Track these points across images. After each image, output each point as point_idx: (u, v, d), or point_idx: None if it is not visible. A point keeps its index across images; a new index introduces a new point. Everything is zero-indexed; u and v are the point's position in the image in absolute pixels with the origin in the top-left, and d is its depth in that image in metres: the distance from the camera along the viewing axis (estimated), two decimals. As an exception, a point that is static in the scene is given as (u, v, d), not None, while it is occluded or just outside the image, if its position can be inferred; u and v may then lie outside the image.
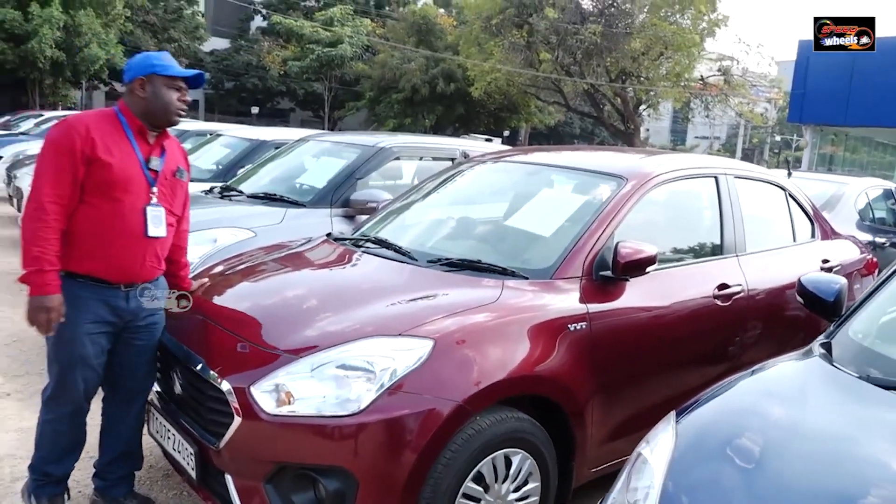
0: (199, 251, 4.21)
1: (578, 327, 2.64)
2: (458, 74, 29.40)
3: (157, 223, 2.61)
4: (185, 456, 2.51)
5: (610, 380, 2.76)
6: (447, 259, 2.88)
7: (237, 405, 2.27)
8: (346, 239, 3.43)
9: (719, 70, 25.71)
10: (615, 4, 23.02)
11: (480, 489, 2.36)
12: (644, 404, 2.95)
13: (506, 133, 36.11)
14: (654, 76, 24.16)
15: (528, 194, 3.33)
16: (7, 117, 18.30)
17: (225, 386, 2.31)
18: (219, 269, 3.20)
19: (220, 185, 5.57)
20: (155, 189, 2.63)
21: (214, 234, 4.32)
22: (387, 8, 38.90)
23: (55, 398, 2.62)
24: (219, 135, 7.64)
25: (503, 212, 3.35)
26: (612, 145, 36.22)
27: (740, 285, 3.33)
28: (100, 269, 2.54)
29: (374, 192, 4.73)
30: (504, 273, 2.76)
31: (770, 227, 3.87)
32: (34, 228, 2.42)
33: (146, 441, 2.87)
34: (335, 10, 32.67)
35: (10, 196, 9.56)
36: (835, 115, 18.28)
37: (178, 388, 2.61)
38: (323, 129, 32.79)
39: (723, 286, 3.25)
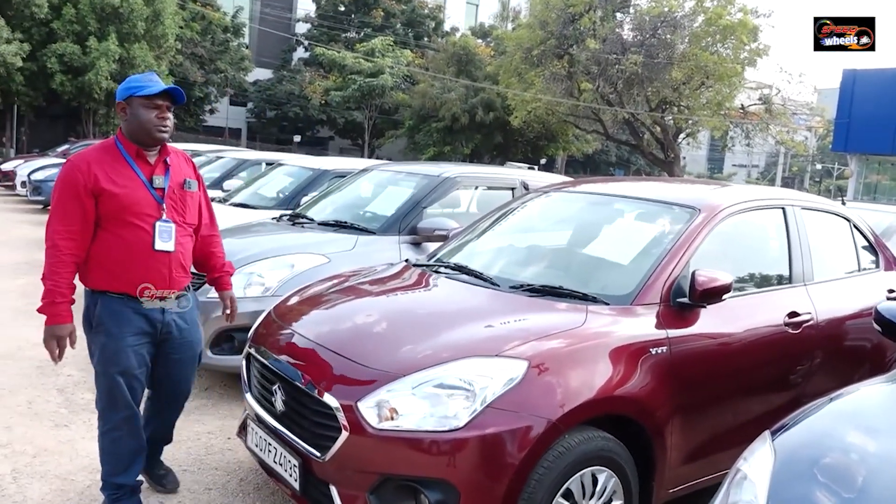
0: (278, 276, 4.45)
1: (659, 351, 2.77)
2: (497, 104, 29.79)
3: (165, 237, 2.78)
4: (289, 468, 2.68)
5: (688, 402, 2.87)
6: (529, 285, 3.04)
7: (345, 420, 2.43)
8: (426, 265, 3.61)
9: (760, 99, 25.61)
10: (656, 35, 23.19)
11: (570, 505, 2.48)
12: (719, 427, 3.05)
13: (543, 161, 36.30)
14: (694, 105, 24.19)
15: (600, 223, 3.48)
16: (67, 146, 19.13)
17: (332, 402, 2.48)
18: (312, 291, 3.40)
19: (288, 212, 5.82)
20: (164, 205, 2.80)
21: (291, 260, 4.54)
22: (426, 39, 39.68)
23: (108, 409, 2.83)
24: (280, 164, 7.95)
25: (577, 240, 3.50)
26: (650, 175, 36.13)
27: (809, 313, 3.41)
28: (130, 287, 2.75)
29: (440, 220, 4.92)
30: (585, 299, 2.90)
31: (836, 257, 3.94)
32: (49, 264, 2.66)
33: (235, 455, 3.05)
34: (376, 41, 33.45)
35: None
36: (880, 144, 18.08)
37: (279, 404, 2.79)
38: (362, 156, 33.42)
39: (793, 314, 3.34)
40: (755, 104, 25.91)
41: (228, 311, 3.26)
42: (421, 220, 4.99)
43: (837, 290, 3.71)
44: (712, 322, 2.99)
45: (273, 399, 2.84)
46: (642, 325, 2.80)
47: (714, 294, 2.88)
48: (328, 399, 2.50)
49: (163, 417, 3.18)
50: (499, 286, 3.11)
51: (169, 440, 3.30)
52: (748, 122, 26.30)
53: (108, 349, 2.76)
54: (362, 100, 33.83)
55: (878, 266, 4.13)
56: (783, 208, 3.63)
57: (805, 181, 54.46)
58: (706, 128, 25.44)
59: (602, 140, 31.31)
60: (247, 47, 37.36)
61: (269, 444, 2.82)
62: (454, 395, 2.40)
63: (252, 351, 3.10)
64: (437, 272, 3.47)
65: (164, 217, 2.80)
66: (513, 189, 5.64)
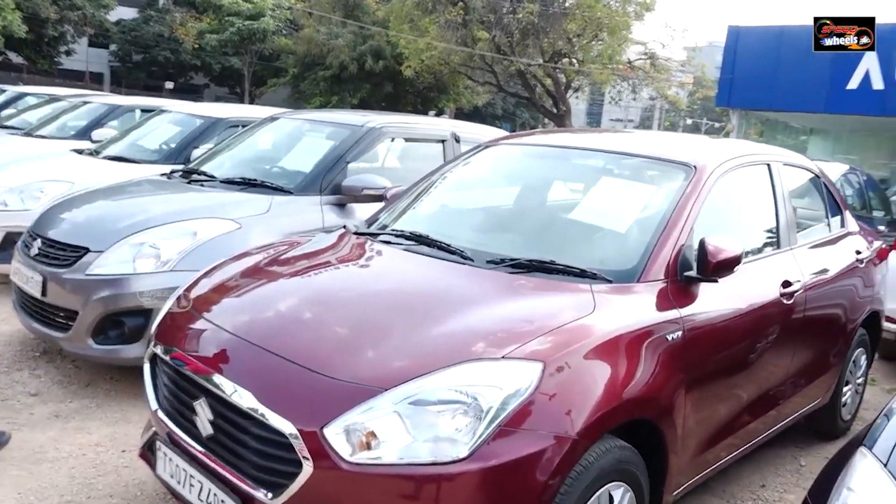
0: (177, 246, 3.66)
1: (675, 337, 2.33)
2: (387, 52, 28.62)
3: None
4: (221, 509, 2.03)
5: (698, 394, 2.46)
6: (513, 259, 2.49)
7: (306, 451, 1.81)
8: (372, 234, 2.97)
9: (645, 54, 26.09)
10: (551, -17, 22.89)
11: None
12: (724, 415, 2.69)
13: (432, 113, 35.66)
14: (586, 58, 24.25)
15: (583, 183, 2.97)
16: None
17: (287, 427, 1.85)
18: (233, 269, 2.68)
19: (179, 167, 4.93)
20: None
21: (193, 227, 3.75)
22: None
23: None
24: (162, 111, 6.88)
25: (557, 203, 2.97)
26: (535, 128, 36.37)
27: (799, 281, 3.11)
28: None
29: (368, 177, 4.27)
30: (583, 276, 2.39)
31: (811, 218, 3.68)
32: None
33: (135, 475, 2.36)
34: (255, -20, 31.13)
35: None
36: (761, 100, 18.81)
37: (205, 425, 2.11)
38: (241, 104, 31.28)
39: (786, 283, 3.02)
40: (641, 59, 26.38)
41: None
42: (345, 177, 4.30)
43: (817, 254, 3.44)
44: (716, 297, 2.59)
45: (195, 418, 2.15)
46: (654, 307, 2.34)
47: (727, 266, 2.46)
48: (280, 423, 1.87)
49: None
50: (473, 261, 2.53)
51: None
52: (634, 77, 26.80)
53: None
54: (241, 44, 31.58)
55: (843, 226, 3.91)
56: (768, 164, 3.28)
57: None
58: (598, 81, 25.67)
59: (494, 92, 31.00)
60: (107, -18, 33.71)
61: (192, 476, 2.14)
62: (452, 414, 1.83)
63: (159, 352, 2.37)
64: (386, 243, 2.85)
65: None
66: (443, 141, 5.04)
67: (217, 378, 2.07)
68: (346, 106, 29.82)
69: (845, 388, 3.81)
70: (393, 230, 2.96)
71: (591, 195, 2.85)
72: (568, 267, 2.42)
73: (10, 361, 3.95)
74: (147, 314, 3.55)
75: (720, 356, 2.60)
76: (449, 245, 2.65)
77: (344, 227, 3.18)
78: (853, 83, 16.82)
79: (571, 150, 3.17)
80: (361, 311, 2.26)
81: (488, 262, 2.51)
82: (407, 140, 5.01)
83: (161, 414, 2.34)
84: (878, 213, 7.34)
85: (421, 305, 2.26)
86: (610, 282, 2.37)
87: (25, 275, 3.81)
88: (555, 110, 25.87)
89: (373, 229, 3.06)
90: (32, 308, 3.82)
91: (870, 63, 16.47)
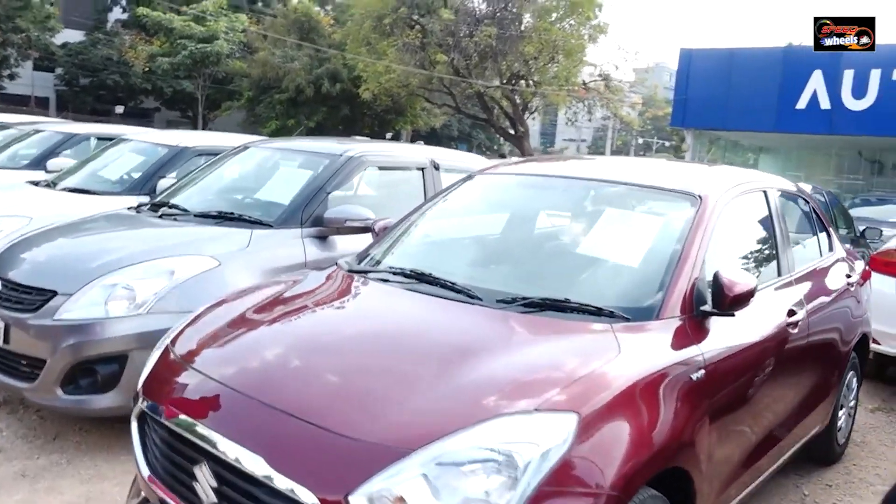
0: (153, 287, 3.45)
1: (699, 375, 2.24)
2: (343, 75, 28.47)
3: None
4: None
5: (717, 432, 2.37)
6: (525, 298, 2.37)
7: (330, 523, 1.65)
8: (367, 271, 2.83)
9: (600, 75, 26.57)
10: (507, 7, 23.12)
11: None
12: (739, 452, 2.61)
13: (389, 135, 35.61)
14: (542, 80, 24.54)
15: (586, 214, 2.88)
16: None
17: (307, 497, 1.68)
18: (224, 315, 2.50)
19: (148, 201, 4.70)
20: None
21: (170, 265, 3.54)
22: (260, 3, 37.16)
23: None
24: (122, 139, 6.60)
25: (561, 236, 2.88)
26: (492, 151, 36.59)
27: (802, 309, 3.08)
28: None
29: (350, 208, 4.12)
30: (599, 314, 2.30)
31: (805, 243, 3.67)
32: None
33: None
34: (207, 2, 30.60)
35: None
36: (714, 120, 19.31)
37: (207, 493, 1.92)
38: (194, 129, 30.67)
39: (791, 312, 2.98)
40: (595, 80, 26.84)
41: None
42: (326, 209, 4.14)
43: (813, 280, 3.43)
44: (730, 331, 2.52)
45: (195, 484, 1.97)
46: (676, 346, 2.25)
47: (743, 299, 2.39)
48: (298, 492, 1.70)
49: None
50: (482, 300, 2.41)
51: None
52: (589, 98, 27.24)
53: None
54: (194, 68, 30.98)
55: (831, 249, 3.93)
56: (765, 191, 3.26)
57: (631, 154, 58.35)
58: (553, 102, 25.99)
59: (451, 114, 31.11)
60: (52, 4, 32.78)
61: (192, 549, 1.96)
62: (485, 474, 1.69)
63: (147, 410, 2.18)
64: (384, 281, 2.70)
65: None
66: (422, 169, 4.93)
67: (220, 440, 1.89)
68: (304, 130, 29.52)
69: (840, 412, 3.80)
70: (390, 267, 2.82)
71: (596, 228, 2.76)
72: (584, 305, 2.32)
73: (-34, 414, 3.66)
74: (122, 361, 3.32)
75: (736, 392, 2.52)
76: (454, 283, 2.52)
77: (336, 264, 3.03)
78: (801, 103, 17.42)
79: (570, 179, 3.09)
80: (372, 361, 2.11)
81: (498, 301, 2.40)
82: (386, 168, 4.89)
83: (154, 481, 2.15)
84: (842, 231, 7.48)
85: (436, 352, 2.12)
86: (628, 320, 2.28)
87: (-17, 320, 3.54)
88: (513, 131, 26.08)
89: (368, 266, 2.92)
90: (-8, 356, 3.54)
91: (817, 84, 17.10)
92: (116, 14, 37.24)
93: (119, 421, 3.55)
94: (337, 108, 30.02)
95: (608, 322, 2.25)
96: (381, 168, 4.88)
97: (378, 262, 2.96)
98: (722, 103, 18.63)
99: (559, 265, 2.74)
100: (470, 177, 3.47)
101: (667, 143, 61.19)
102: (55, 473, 3.17)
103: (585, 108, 27.23)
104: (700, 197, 2.73)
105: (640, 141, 64.04)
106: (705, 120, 19.55)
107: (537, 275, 2.69)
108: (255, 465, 1.79)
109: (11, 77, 32.56)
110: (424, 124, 34.00)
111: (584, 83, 26.76)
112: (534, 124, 47.15)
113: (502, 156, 17.30)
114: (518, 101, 25.72)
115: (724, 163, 25.24)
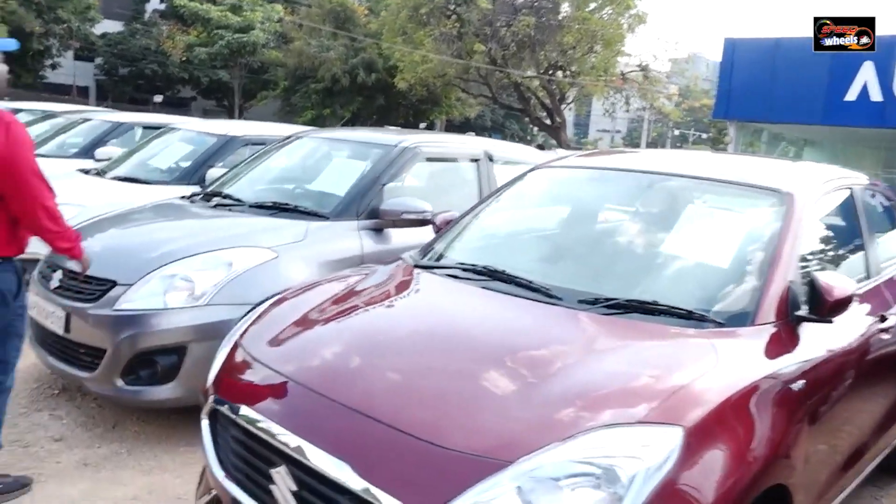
0: (212, 278, 3.40)
1: (799, 385, 2.11)
2: (379, 64, 28.41)
3: None
4: None
5: (813, 446, 2.24)
6: (609, 299, 2.26)
7: (425, 539, 1.56)
8: (436, 267, 2.74)
9: (639, 66, 26.11)
10: (545, -4, 22.86)
11: None
12: (831, 466, 2.47)
13: (422, 125, 35.51)
14: (581, 70, 24.19)
15: (669, 212, 2.75)
16: None
17: (401, 508, 1.60)
18: (292, 313, 2.41)
19: (201, 190, 4.67)
20: None
21: (228, 257, 3.50)
22: (297, -7, 37.23)
23: (12, 376, 2.85)
24: (171, 128, 6.61)
25: (642, 233, 2.75)
26: (524, 141, 36.30)
27: (892, 314, 2.91)
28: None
29: (407, 200, 4.03)
30: (690, 318, 2.17)
31: (886, 241, 3.48)
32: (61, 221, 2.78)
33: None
34: (243, -8, 30.76)
35: None
36: (758, 112, 18.77)
37: (285, 497, 1.85)
38: (230, 118, 30.90)
39: (882, 318, 2.82)
40: (634, 70, 26.39)
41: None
42: (382, 201, 4.06)
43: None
44: (825, 338, 2.38)
45: (272, 487, 1.90)
46: (775, 354, 2.12)
47: (843, 305, 2.25)
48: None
49: None
50: (561, 300, 2.31)
51: None
52: (626, 89, 26.80)
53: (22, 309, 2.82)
54: (230, 57, 31.21)
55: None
56: (850, 189, 3.09)
57: (667, 146, 57.58)
58: (591, 93, 25.64)
59: (487, 104, 30.87)
60: (93, -5, 33.25)
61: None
62: (585, 491, 1.59)
63: (223, 409, 2.12)
64: (454, 277, 2.60)
65: None
66: (476, 160, 4.82)
67: (303, 445, 1.81)
68: (338, 119, 29.55)
69: (918, 421, 3.61)
70: (460, 263, 2.72)
71: (679, 225, 2.62)
72: (673, 308, 2.19)
73: (27, 401, 3.67)
74: (181, 352, 3.29)
75: (830, 403, 2.38)
76: (531, 282, 2.42)
77: (401, 258, 2.94)
78: (851, 95, 16.81)
79: (645, 174, 2.94)
80: (455, 364, 2.01)
81: (580, 301, 2.29)
82: (440, 160, 4.79)
83: (222, 477, 2.09)
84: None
85: (523, 356, 2.02)
86: (721, 325, 2.15)
87: (45, 309, 3.53)
88: (549, 122, 25.78)
89: (435, 262, 2.82)
90: (53, 345, 3.54)
91: (868, 75, 16.49)
92: (154, 4, 37.64)
93: (176, 412, 3.54)
94: (372, 97, 29.99)
95: (701, 327, 2.13)
96: (434, 159, 4.78)
97: (444, 257, 2.87)
98: (767, 95, 18.06)
99: (638, 264, 2.61)
100: (533, 169, 3.35)
101: (703, 136, 60.12)
102: (116, 463, 3.15)
103: (623, 99, 26.80)
104: (790, 194, 2.58)
105: (677, 132, 63.01)
106: (749, 112, 18.96)
107: (615, 274, 2.57)
108: (340, 472, 1.71)
109: (53, 67, 33.16)
110: (459, 114, 33.81)
111: (623, 74, 26.32)
112: (568, 115, 46.68)
113: (540, 147, 17.08)
114: (556, 91, 25.40)
115: (765, 156, 24.70)
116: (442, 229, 3.22)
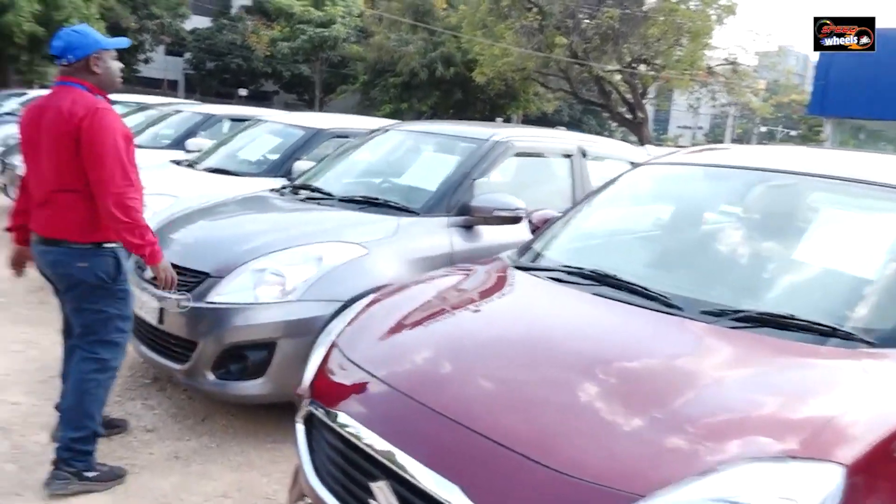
0: (303, 273, 3.34)
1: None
2: (457, 58, 28.35)
3: None
4: None
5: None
6: (738, 311, 2.04)
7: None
8: (539, 269, 2.57)
9: (726, 59, 25.04)
10: (629, -13, 22.19)
11: None
12: None
13: (499, 120, 35.25)
14: (666, 64, 23.38)
15: (799, 215, 2.49)
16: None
17: (517, 539, 1.45)
18: (390, 314, 2.30)
19: (290, 183, 4.65)
20: None
21: (318, 252, 3.43)
22: (377, -13, 37.58)
23: (118, 357, 2.88)
24: (259, 120, 6.67)
25: (771, 238, 2.50)
26: (602, 135, 35.49)
27: None
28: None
29: (499, 196, 3.87)
30: (833, 335, 1.93)
31: None
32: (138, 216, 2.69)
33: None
34: (326, -13, 31.30)
35: (3, 186, 8.36)
36: (857, 108, 17.69)
37: (387, 513, 1.73)
38: (310, 111, 31.51)
39: None
40: (722, 64, 25.32)
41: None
42: (472, 197, 3.92)
43: None
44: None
45: (371, 502, 1.78)
46: (936, 381, 1.85)
47: None
48: (503, 532, 1.48)
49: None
50: (682, 310, 2.10)
51: None
52: (713, 83, 25.74)
53: (126, 293, 2.87)
54: (312, 52, 31.84)
55: None
56: None
57: (752, 142, 55.25)
58: (676, 87, 24.76)
59: (567, 99, 30.33)
60: (183, -9, 34.56)
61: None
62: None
63: (320, 414, 2.02)
64: (558, 281, 2.42)
65: None
66: (570, 156, 4.61)
67: (406, 460, 1.69)
68: (416, 113, 29.68)
69: None
70: (564, 266, 2.54)
71: (814, 229, 2.37)
72: (813, 324, 1.96)
73: (121, 389, 3.71)
74: (270, 348, 3.25)
75: None
76: (646, 288, 2.22)
77: (498, 258, 2.79)
78: (964, 90, 15.66)
79: (773, 173, 2.68)
80: (573, 380, 1.84)
81: (702, 312, 2.07)
82: (533, 155, 4.61)
83: (316, 482, 1.99)
84: None
85: (646, 374, 1.83)
86: (872, 344, 1.90)
87: (140, 299, 3.56)
88: (630, 117, 25.06)
89: (537, 263, 2.66)
90: (146, 335, 3.57)
91: (984, 68, 15.28)
92: (240, 0, 38.80)
93: (263, 407, 3.52)
94: (450, 91, 29.97)
95: (847, 347, 1.88)
96: (525, 154, 4.60)
97: (546, 258, 2.70)
98: (867, 90, 17.01)
99: (766, 272, 2.37)
100: (639, 166, 3.13)
101: (792, 133, 57.42)
102: (205, 457, 3.14)
103: (709, 94, 25.75)
104: (944, 198, 2.28)
105: (763, 129, 60.38)
106: (848, 108, 17.95)
107: (740, 282, 2.33)
108: (450, 495, 1.57)
109: (146, 61, 34.67)
110: (536, 109, 33.40)
111: (710, 67, 25.29)
112: (648, 111, 45.35)
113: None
114: (638, 85, 24.65)
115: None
116: (539, 228, 3.05)
